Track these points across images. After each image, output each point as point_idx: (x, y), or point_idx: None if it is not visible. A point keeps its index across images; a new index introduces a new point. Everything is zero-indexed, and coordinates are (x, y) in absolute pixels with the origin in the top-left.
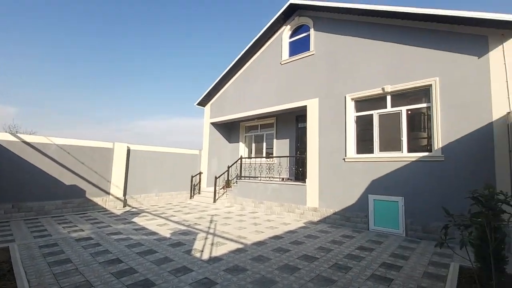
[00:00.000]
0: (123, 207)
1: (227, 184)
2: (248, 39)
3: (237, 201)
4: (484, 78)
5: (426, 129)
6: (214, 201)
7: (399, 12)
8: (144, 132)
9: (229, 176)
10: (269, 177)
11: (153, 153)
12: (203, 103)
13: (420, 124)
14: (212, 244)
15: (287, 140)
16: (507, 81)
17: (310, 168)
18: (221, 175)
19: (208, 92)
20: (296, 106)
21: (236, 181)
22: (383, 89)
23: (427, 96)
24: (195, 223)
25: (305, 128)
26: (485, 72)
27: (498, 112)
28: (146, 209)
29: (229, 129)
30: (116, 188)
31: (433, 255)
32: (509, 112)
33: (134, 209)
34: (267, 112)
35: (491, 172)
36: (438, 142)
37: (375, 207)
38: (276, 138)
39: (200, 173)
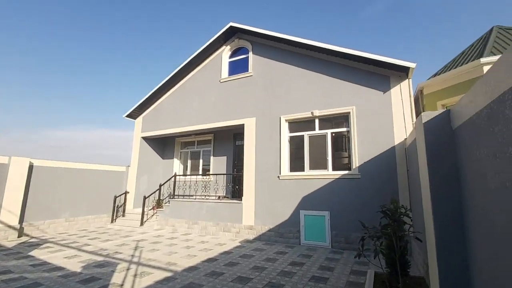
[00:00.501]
0: (18, 237)
1: (158, 204)
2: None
3: (168, 222)
4: (388, 110)
5: (347, 150)
6: (142, 224)
7: (322, 47)
8: (59, 145)
9: (161, 195)
10: (205, 196)
11: (66, 170)
12: (134, 115)
13: (342, 145)
14: (135, 275)
15: (225, 157)
16: (403, 113)
17: (246, 185)
18: (152, 194)
19: (141, 104)
20: (234, 124)
21: (169, 201)
22: (312, 113)
23: (347, 122)
24: (116, 252)
25: (242, 146)
26: (388, 105)
27: (398, 138)
28: (52, 238)
29: (163, 145)
30: (9, 213)
31: (354, 264)
32: (405, 138)
33: (34, 240)
34: (205, 129)
35: (395, 187)
36: (356, 161)
37: (306, 222)
38: (214, 155)
39: (126, 193)
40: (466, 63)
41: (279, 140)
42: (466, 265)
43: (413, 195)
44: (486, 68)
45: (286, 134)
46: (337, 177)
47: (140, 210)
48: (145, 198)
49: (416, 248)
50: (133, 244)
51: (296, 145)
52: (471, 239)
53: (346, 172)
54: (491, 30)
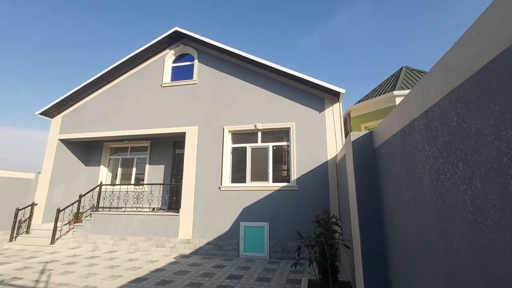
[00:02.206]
0: None
1: (77, 218)
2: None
3: (88, 239)
4: (322, 128)
5: (286, 163)
6: (52, 242)
7: (265, 64)
8: None
9: (81, 207)
10: (137, 208)
11: None
12: (50, 113)
13: (282, 158)
14: None
15: (162, 166)
16: (335, 132)
17: (185, 196)
18: (68, 206)
19: (61, 102)
20: (175, 131)
21: (91, 214)
22: (255, 126)
23: (287, 136)
24: (13, 278)
25: (182, 155)
26: (322, 123)
27: (330, 154)
28: None
29: (87, 149)
30: None
31: (290, 273)
32: (336, 154)
33: None
34: (141, 135)
35: (327, 199)
36: (294, 174)
37: (245, 234)
38: (150, 164)
39: (33, 205)
40: (383, 93)
41: (222, 151)
42: (385, 265)
43: (342, 206)
44: (398, 99)
45: (229, 145)
46: (276, 188)
47: (51, 225)
48: (59, 211)
49: (344, 254)
50: (39, 267)
51: (238, 156)
52: (389, 243)
53: (285, 184)
54: (401, 69)
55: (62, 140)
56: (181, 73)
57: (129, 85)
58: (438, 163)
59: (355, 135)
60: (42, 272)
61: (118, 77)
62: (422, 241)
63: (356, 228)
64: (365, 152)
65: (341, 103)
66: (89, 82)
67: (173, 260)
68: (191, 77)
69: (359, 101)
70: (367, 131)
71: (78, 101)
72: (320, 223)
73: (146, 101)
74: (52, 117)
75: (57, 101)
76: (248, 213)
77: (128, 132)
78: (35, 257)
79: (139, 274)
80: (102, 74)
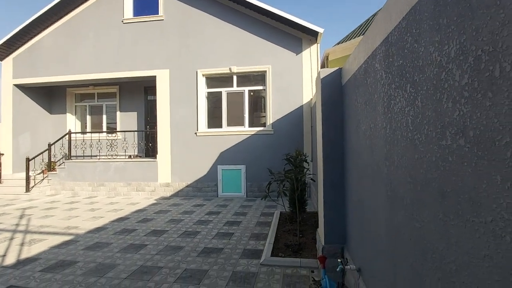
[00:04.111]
0: None
1: (49, 167)
2: None
3: (66, 186)
4: (299, 71)
5: (263, 108)
6: (28, 190)
7: None
8: None
9: (52, 156)
10: (112, 155)
11: None
12: None
13: (258, 103)
14: (22, 244)
15: (135, 113)
16: (311, 76)
17: (161, 143)
18: (38, 155)
19: (9, 40)
20: (143, 75)
21: (64, 163)
22: (230, 69)
23: (264, 80)
24: None
25: (155, 101)
26: (299, 67)
27: (306, 97)
28: None
29: (49, 96)
30: None
31: (264, 207)
32: (311, 98)
33: None
34: (106, 79)
35: (301, 141)
36: (270, 118)
37: (223, 176)
38: (120, 111)
39: None
40: (362, 34)
41: (196, 96)
42: (344, 194)
43: (314, 148)
44: None
45: (203, 90)
46: (253, 133)
47: (23, 175)
48: (28, 160)
49: (314, 189)
50: (16, 213)
51: (214, 101)
52: (347, 174)
53: (261, 128)
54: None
55: (17, 86)
56: (145, 7)
57: (86, 20)
58: (391, 90)
59: (324, 72)
60: (21, 217)
61: (72, 10)
62: (372, 166)
63: (320, 161)
64: (333, 89)
65: (319, 45)
66: (38, 17)
67: (154, 202)
68: (156, 12)
69: (338, 43)
70: (337, 68)
71: (30, 39)
72: (289, 160)
73: (108, 40)
74: (1, 59)
75: (4, 39)
76: (225, 157)
77: (90, 76)
78: (11, 204)
79: (120, 215)
80: (52, 7)
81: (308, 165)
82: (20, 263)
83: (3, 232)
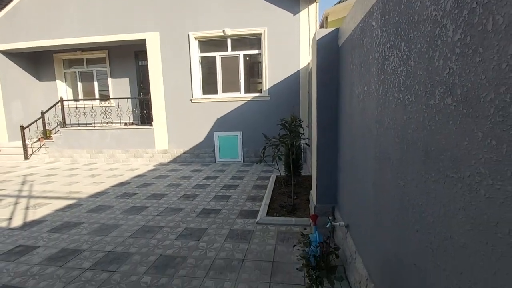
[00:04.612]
0: None
1: (45, 135)
2: None
3: (64, 154)
4: (296, 33)
5: (258, 73)
6: (27, 157)
7: None
8: None
9: (47, 124)
10: (107, 123)
11: None
12: None
13: (254, 68)
14: (27, 208)
15: (126, 80)
16: (309, 37)
17: (156, 110)
18: (32, 123)
19: None
20: (133, 38)
21: (59, 130)
22: (224, 31)
23: (259, 44)
24: None
25: (147, 67)
26: (297, 28)
27: (303, 62)
28: None
29: (35, 62)
30: None
31: (261, 172)
32: (309, 62)
33: None
34: (92, 43)
35: (297, 107)
36: (266, 84)
37: (220, 142)
38: (112, 77)
39: None
40: None
41: (189, 60)
42: (336, 156)
43: (311, 113)
44: None
45: (196, 54)
46: (249, 99)
47: (20, 143)
48: (22, 128)
49: (309, 155)
50: (18, 180)
51: (208, 66)
52: (340, 138)
53: (257, 94)
54: None
55: (2, 52)
56: None
57: None
58: (385, 49)
59: (321, 32)
60: (23, 183)
61: None
62: (363, 129)
63: (315, 125)
64: (330, 51)
65: (318, 4)
66: None
67: (153, 168)
68: None
69: (338, 2)
70: (334, 28)
71: (7, 3)
72: (284, 126)
73: (93, 0)
74: None
75: None
76: (222, 124)
77: (75, 40)
78: (12, 171)
79: (120, 180)
80: None
81: (303, 130)
82: (27, 225)
83: (7, 197)
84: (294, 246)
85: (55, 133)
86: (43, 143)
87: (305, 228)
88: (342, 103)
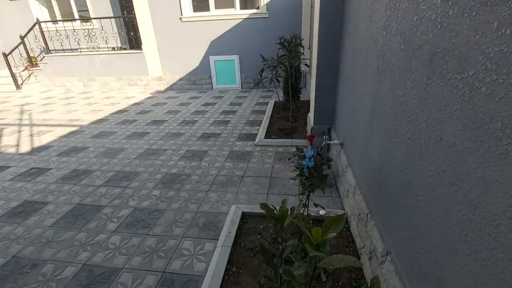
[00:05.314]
0: None
1: (31, 63)
2: None
3: (56, 83)
4: None
5: None
6: (18, 87)
7: None
8: None
9: (30, 51)
10: (94, 48)
11: None
12: None
13: None
14: (31, 135)
15: None
16: None
17: (144, 32)
18: (14, 50)
19: None
20: None
21: (44, 57)
22: None
23: None
24: None
25: None
26: None
27: None
28: None
29: None
30: None
31: (259, 98)
32: None
33: None
34: None
35: (299, 26)
36: None
37: (216, 68)
38: None
39: None
40: None
41: None
42: (336, 76)
43: (313, 33)
44: None
45: None
46: (245, 17)
47: (6, 72)
48: (5, 55)
49: (309, 79)
50: (16, 109)
51: None
52: (342, 55)
53: (254, 11)
54: None
55: None
56: None
57: None
58: None
59: None
60: (21, 112)
61: None
62: (367, 41)
63: (316, 40)
64: None
65: None
66: None
67: (149, 95)
68: None
69: None
70: None
71: None
72: (283, 45)
73: None
74: None
75: None
76: (217, 46)
77: None
78: (8, 101)
79: (118, 108)
80: None
81: (303, 49)
82: (35, 151)
83: (9, 126)
84: (289, 159)
85: (40, 60)
86: (31, 71)
87: (302, 148)
88: (348, 13)
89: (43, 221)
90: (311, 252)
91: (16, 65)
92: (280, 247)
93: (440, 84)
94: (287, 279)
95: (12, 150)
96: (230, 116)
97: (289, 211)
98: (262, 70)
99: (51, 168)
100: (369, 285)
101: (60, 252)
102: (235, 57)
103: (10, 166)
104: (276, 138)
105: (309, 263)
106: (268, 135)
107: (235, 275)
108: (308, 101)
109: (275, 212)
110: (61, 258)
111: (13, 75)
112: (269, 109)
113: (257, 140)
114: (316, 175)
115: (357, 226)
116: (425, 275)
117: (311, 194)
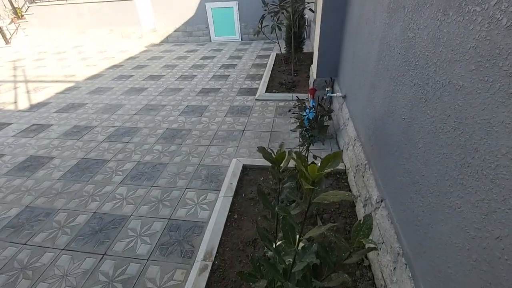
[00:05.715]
0: None
1: (17, 15)
2: None
3: (46, 37)
4: None
5: None
6: (7, 42)
7: None
8: None
9: (14, 2)
10: None
11: None
12: None
13: None
14: (27, 92)
15: None
16: None
17: None
18: None
19: None
20: None
21: (29, 7)
22: None
23: None
24: None
25: None
26: None
27: None
28: None
29: None
30: None
31: (260, 50)
32: None
33: None
34: None
35: None
36: None
37: (214, 17)
38: None
39: None
40: None
41: None
42: (343, 21)
43: None
44: None
45: None
46: None
47: None
48: None
49: (313, 28)
50: (9, 65)
51: None
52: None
53: None
54: None
55: None
56: None
57: None
58: None
59: None
60: (14, 68)
61: None
62: (374, 9)
63: None
64: None
65: None
66: None
67: (145, 49)
68: None
69: None
70: None
71: None
72: None
73: None
74: None
75: None
76: None
77: None
78: None
79: (114, 62)
80: None
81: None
82: (34, 107)
83: (4, 83)
84: (289, 111)
85: (25, 11)
86: (18, 24)
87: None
88: None
89: (51, 174)
90: (306, 185)
91: (1, 18)
92: (278, 189)
93: (456, 20)
94: (282, 215)
95: (11, 107)
96: (230, 70)
97: (287, 153)
98: (263, 17)
99: (52, 125)
100: (362, 221)
101: (70, 202)
102: (234, 4)
103: (12, 123)
104: (277, 93)
105: (304, 199)
106: (269, 89)
107: (237, 221)
108: (312, 53)
109: (273, 155)
110: (72, 207)
111: (0, 29)
112: (270, 62)
113: (257, 94)
114: (316, 126)
115: (354, 177)
116: (416, 217)
117: (311, 146)
